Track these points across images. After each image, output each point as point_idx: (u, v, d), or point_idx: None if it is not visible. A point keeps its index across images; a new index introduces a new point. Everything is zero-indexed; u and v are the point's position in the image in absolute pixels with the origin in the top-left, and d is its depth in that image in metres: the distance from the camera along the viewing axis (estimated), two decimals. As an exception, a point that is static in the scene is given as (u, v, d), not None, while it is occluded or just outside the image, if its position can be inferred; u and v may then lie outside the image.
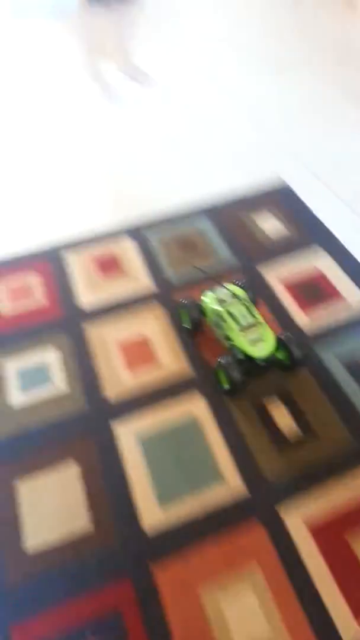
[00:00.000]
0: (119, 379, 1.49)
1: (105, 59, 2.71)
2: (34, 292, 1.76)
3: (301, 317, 1.61)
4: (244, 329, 1.37)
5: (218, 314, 1.42)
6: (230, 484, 1.26)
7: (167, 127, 2.45)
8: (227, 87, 2.68)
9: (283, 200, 2.02)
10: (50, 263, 1.85)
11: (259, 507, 1.22)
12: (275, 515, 1.20)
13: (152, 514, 1.22)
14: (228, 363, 1.35)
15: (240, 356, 1.37)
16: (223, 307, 1.41)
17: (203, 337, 1.55)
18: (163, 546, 1.17)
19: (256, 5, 3.46)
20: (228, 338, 1.41)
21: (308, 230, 1.90)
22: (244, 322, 1.38)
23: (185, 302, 1.54)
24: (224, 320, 1.40)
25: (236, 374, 1.34)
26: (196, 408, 1.40)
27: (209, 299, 1.47)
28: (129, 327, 1.62)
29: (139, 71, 2.80)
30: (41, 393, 1.47)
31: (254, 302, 1.50)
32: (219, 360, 1.37)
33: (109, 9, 2.52)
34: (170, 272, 1.78)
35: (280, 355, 1.39)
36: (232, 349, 1.39)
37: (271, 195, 2.04)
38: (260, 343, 1.36)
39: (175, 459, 1.31)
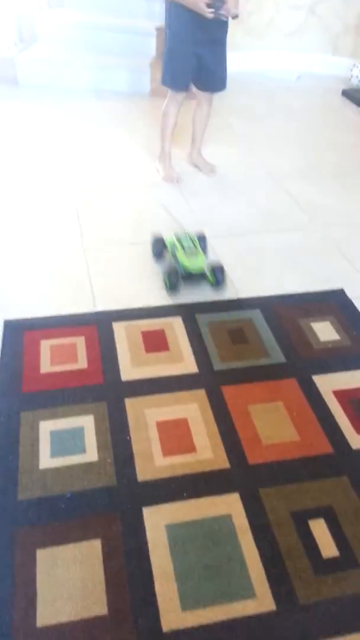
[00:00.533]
0: (152, 459, 1.43)
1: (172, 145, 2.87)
2: (78, 354, 1.75)
3: (351, 434, 1.54)
4: (187, 253, 2.08)
5: (172, 243, 2.16)
6: (260, 601, 1.16)
7: (228, 219, 2.54)
8: (290, 189, 2.80)
9: (340, 308, 2.02)
10: (97, 328, 1.85)
11: (289, 630, 1.11)
12: (305, 643, 1.09)
13: (173, 615, 1.12)
14: (171, 272, 2.04)
15: (182, 271, 2.05)
16: (177, 240, 2.13)
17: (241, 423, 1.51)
18: (181, 656, 1.07)
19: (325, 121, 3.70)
20: (175, 257, 2.11)
21: None
22: (187, 249, 2.09)
23: (155, 237, 2.23)
24: (175, 247, 2.12)
25: (174, 279, 2.03)
26: (230, 506, 1.33)
27: (170, 237, 2.19)
28: (168, 408, 1.58)
29: (206, 162, 2.95)
30: (71, 458, 1.42)
31: (204, 248, 2.22)
32: (166, 271, 2.05)
33: (190, 97, 2.71)
34: (215, 358, 1.76)
35: (209, 275, 2.07)
36: (177, 265, 2.08)
37: (329, 302, 2.05)
38: (194, 262, 2.06)
39: (203, 560, 1.22)
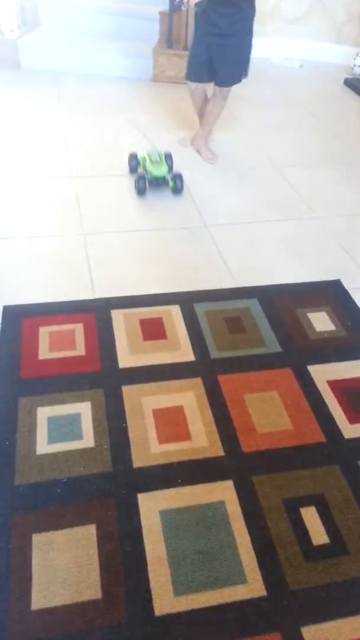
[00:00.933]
0: (148, 446, 1.45)
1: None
2: (76, 341, 1.76)
3: (344, 423, 1.56)
4: (153, 163, 2.60)
5: (143, 157, 2.68)
6: (251, 586, 1.18)
7: (227, 207, 2.53)
8: (291, 178, 2.79)
9: (338, 300, 2.02)
10: (96, 315, 1.86)
11: (279, 615, 1.14)
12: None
13: (165, 600, 1.15)
14: (139, 178, 2.56)
15: (148, 177, 2.59)
16: (147, 155, 2.64)
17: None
18: (173, 634, 1.09)
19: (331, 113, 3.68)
20: (144, 167, 2.65)
21: None
22: (154, 161, 2.61)
23: (131, 153, 2.74)
24: (145, 159, 2.64)
25: (142, 184, 2.55)
26: (223, 493, 1.35)
27: (143, 153, 2.70)
28: (164, 395, 1.60)
29: (208, 152, 2.93)
30: (68, 444, 1.44)
31: (170, 163, 2.68)
32: (136, 178, 2.58)
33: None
34: (212, 347, 1.77)
35: (170, 182, 2.60)
36: (145, 173, 2.60)
37: (326, 292, 2.06)
38: (158, 169, 2.57)
39: (196, 546, 1.24)
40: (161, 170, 2.57)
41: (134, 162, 2.72)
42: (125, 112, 3.43)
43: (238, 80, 2.68)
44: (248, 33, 2.52)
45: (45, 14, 4.12)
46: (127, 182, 2.69)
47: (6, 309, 1.85)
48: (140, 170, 2.70)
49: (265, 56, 4.39)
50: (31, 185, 2.60)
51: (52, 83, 3.78)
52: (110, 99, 3.61)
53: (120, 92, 3.73)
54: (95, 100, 3.59)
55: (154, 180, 2.58)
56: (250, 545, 1.25)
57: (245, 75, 2.67)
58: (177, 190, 2.59)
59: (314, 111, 3.67)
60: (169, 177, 2.59)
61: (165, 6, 3.83)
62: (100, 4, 4.06)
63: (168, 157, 2.70)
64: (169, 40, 3.87)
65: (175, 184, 2.59)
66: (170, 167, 2.67)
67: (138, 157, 2.73)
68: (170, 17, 3.80)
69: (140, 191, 2.55)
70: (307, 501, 1.35)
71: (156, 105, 3.56)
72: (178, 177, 2.59)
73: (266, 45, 4.35)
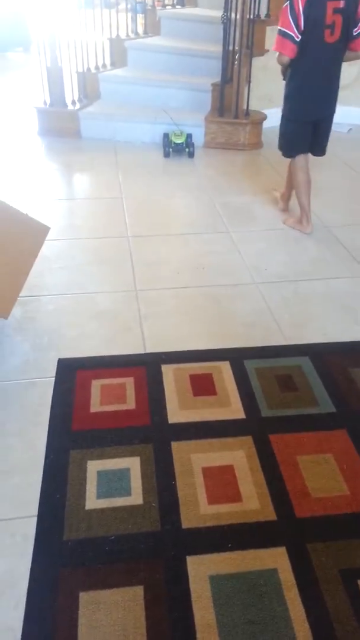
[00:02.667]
0: (197, 506, 1.42)
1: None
2: (127, 394, 1.78)
3: None
4: (175, 135, 3.87)
5: (170, 134, 3.89)
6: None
7: (277, 265, 2.56)
8: (341, 237, 2.80)
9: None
10: (147, 369, 1.88)
11: None
12: None
13: (214, 673, 1.09)
14: (165, 146, 3.90)
15: (172, 145, 3.88)
16: (172, 132, 3.90)
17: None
18: None
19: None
20: (169, 139, 3.89)
21: None
22: (176, 135, 3.88)
23: (165, 132, 3.92)
24: (171, 134, 3.89)
25: (167, 149, 3.88)
26: (275, 560, 1.29)
27: (170, 133, 3.90)
28: (214, 453, 1.57)
29: (308, 216, 2.87)
30: (117, 500, 1.42)
31: (189, 138, 3.92)
32: (163, 146, 3.92)
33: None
34: (263, 405, 1.75)
35: (187, 149, 3.88)
36: (171, 142, 3.88)
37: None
38: (177, 138, 3.87)
39: (247, 615, 1.18)
40: (180, 139, 3.86)
41: (165, 139, 3.90)
42: (179, 177, 3.58)
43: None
44: None
45: (105, 87, 4.43)
46: (177, 241, 2.77)
47: (61, 361, 1.90)
48: (169, 139, 3.92)
49: (314, 122, 4.53)
50: (88, 243, 2.72)
51: (109, 151, 4.01)
52: (166, 165, 3.79)
53: (175, 159, 3.91)
54: (151, 165, 3.78)
55: (175, 147, 3.85)
56: (304, 617, 1.18)
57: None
58: (191, 154, 3.88)
59: (363, 173, 3.72)
60: (185, 146, 3.87)
61: (216, 78, 4.06)
62: (156, 77, 4.34)
63: (188, 136, 3.90)
64: (220, 109, 4.07)
65: (189, 150, 3.87)
66: (188, 141, 3.88)
67: (168, 134, 3.91)
68: (222, 87, 4.02)
69: (166, 154, 3.87)
70: (367, 574, 1.27)
71: (208, 171, 3.72)
72: (191, 145, 3.89)
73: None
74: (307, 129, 2.67)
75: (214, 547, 1.31)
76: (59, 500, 1.42)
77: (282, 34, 2.39)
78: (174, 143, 3.85)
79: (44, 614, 1.18)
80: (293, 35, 2.37)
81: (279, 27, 2.40)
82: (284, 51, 2.43)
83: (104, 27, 4.51)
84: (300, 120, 2.66)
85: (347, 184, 3.58)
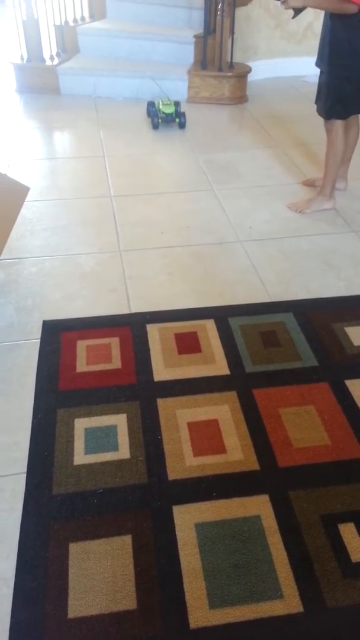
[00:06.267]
0: (183, 458, 1.45)
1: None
2: (112, 354, 1.79)
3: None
4: (164, 104, 3.46)
5: (157, 103, 3.52)
6: (287, 602, 1.16)
7: (262, 223, 2.55)
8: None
9: (369, 312, 2.00)
10: (132, 329, 1.89)
11: (317, 633, 1.11)
12: (333, 646, 1.09)
13: (200, 613, 1.14)
14: (153, 116, 3.48)
15: (161, 115, 3.46)
16: (161, 100, 3.53)
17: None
18: (207, 652, 1.08)
19: None
20: (157, 108, 3.50)
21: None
22: (165, 103, 3.47)
23: (149, 101, 3.61)
24: (159, 103, 3.50)
25: (155, 120, 3.45)
26: (259, 507, 1.34)
27: (157, 101, 3.55)
28: (199, 409, 1.60)
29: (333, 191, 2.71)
30: (105, 455, 1.46)
31: (177, 108, 3.51)
32: (151, 116, 3.54)
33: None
34: (247, 361, 1.77)
35: (177, 120, 3.47)
36: (158, 112, 3.47)
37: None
38: (166, 108, 3.45)
39: (232, 560, 1.23)
40: (170, 109, 3.45)
41: (152, 107, 3.53)
42: (161, 132, 3.51)
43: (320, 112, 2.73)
44: None
45: (84, 41, 4.27)
46: (161, 200, 2.74)
47: (45, 323, 1.90)
48: (155, 108, 3.54)
49: (299, 74, 4.42)
50: (70, 204, 2.68)
51: (89, 107, 3.90)
52: (146, 120, 3.70)
53: (162, 130, 3.81)
54: (132, 121, 3.69)
55: (164, 117, 3.44)
56: (286, 561, 1.23)
57: None
58: (182, 125, 3.47)
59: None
60: (175, 116, 3.46)
61: (199, 29, 3.93)
62: (136, 30, 4.19)
63: (176, 104, 3.51)
64: (203, 62, 3.95)
65: (180, 120, 3.46)
66: (177, 110, 3.48)
67: (155, 102, 3.55)
68: (205, 40, 3.89)
69: (154, 126, 3.47)
70: (345, 517, 1.32)
71: (192, 127, 3.64)
72: (182, 115, 3.46)
73: (300, 64, 4.39)
74: None
75: (199, 497, 1.36)
76: (47, 457, 1.45)
77: None
78: (163, 113, 3.43)
79: (35, 564, 1.22)
80: None
81: None
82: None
83: (81, -25, 4.31)
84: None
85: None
